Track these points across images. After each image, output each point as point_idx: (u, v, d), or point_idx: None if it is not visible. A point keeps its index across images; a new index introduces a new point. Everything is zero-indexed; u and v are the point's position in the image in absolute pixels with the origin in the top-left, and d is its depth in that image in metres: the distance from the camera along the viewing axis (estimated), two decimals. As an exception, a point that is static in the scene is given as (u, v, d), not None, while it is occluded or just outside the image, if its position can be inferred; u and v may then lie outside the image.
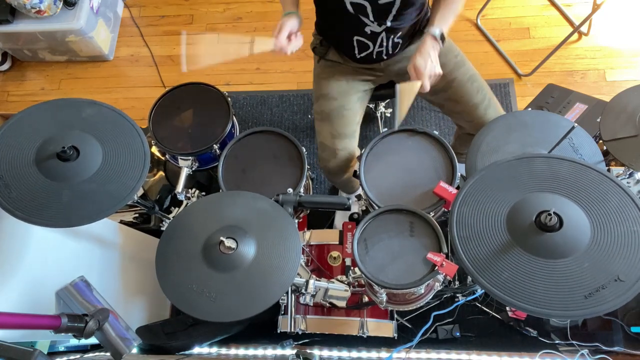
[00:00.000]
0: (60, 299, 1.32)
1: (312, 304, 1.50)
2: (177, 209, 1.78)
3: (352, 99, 1.56)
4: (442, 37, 1.33)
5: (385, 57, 1.51)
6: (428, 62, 1.30)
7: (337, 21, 1.42)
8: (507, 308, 1.81)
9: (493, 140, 1.36)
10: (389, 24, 1.36)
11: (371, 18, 1.33)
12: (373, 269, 1.19)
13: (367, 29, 1.38)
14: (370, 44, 1.44)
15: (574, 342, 1.60)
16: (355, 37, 1.42)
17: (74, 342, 1.52)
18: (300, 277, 1.41)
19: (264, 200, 1.24)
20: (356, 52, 1.48)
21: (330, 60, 1.57)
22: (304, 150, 1.51)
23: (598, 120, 1.43)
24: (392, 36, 1.42)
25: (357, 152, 1.64)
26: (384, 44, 1.44)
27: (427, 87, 1.32)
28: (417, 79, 1.31)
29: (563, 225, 0.94)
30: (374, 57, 1.49)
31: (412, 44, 1.53)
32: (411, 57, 1.34)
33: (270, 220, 1.20)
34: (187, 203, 1.68)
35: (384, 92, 1.75)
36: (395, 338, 1.62)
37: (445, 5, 1.35)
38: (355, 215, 1.59)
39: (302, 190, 1.47)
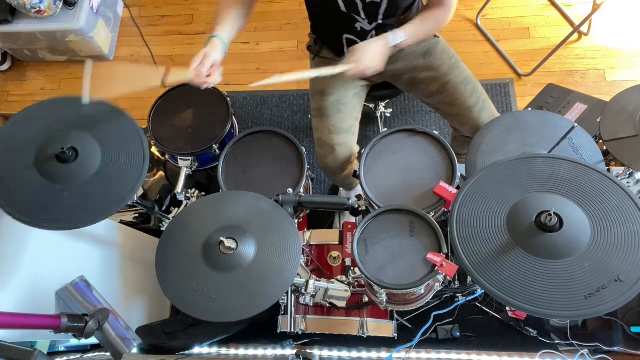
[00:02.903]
0: (60, 299, 1.32)
1: (312, 304, 1.50)
2: (177, 209, 1.78)
3: (348, 94, 1.56)
4: (395, 44, 1.33)
5: None
6: (368, 53, 1.28)
7: (328, 20, 1.43)
8: (507, 308, 1.81)
9: (493, 140, 1.36)
10: (380, 21, 1.36)
11: (362, 15, 1.34)
12: (373, 269, 1.19)
13: (358, 26, 1.38)
14: (360, 41, 1.44)
15: (574, 342, 1.60)
16: (345, 36, 1.43)
17: (74, 342, 1.52)
18: (300, 277, 1.41)
19: (264, 200, 1.24)
20: (345, 50, 1.48)
21: (324, 58, 1.57)
22: (304, 150, 1.51)
23: (598, 120, 1.43)
24: (382, 34, 1.42)
25: (357, 149, 1.64)
26: None
27: (353, 73, 1.29)
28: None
29: (563, 225, 0.94)
30: None
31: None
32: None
33: (270, 220, 1.20)
34: (187, 203, 1.68)
35: (383, 92, 1.75)
36: (395, 338, 1.62)
37: (423, 22, 1.36)
38: (356, 205, 1.57)
39: (302, 190, 1.47)
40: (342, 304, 1.47)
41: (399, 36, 1.32)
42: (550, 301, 0.90)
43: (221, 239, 1.10)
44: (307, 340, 1.82)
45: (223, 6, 1.36)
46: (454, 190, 1.30)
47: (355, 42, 1.44)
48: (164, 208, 2.03)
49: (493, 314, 1.87)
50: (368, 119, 2.35)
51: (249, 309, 1.07)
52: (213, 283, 1.10)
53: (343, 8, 1.33)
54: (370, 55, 1.29)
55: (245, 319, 1.07)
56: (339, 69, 1.30)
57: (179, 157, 1.63)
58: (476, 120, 1.52)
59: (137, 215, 2.01)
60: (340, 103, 1.55)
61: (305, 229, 1.76)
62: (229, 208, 1.23)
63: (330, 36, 1.50)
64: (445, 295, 1.74)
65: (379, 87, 1.70)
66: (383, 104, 2.25)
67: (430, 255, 1.16)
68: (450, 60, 1.52)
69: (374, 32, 1.40)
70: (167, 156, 1.69)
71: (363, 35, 1.41)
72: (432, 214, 1.30)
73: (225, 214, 1.21)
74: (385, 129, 1.47)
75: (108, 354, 1.25)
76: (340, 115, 1.55)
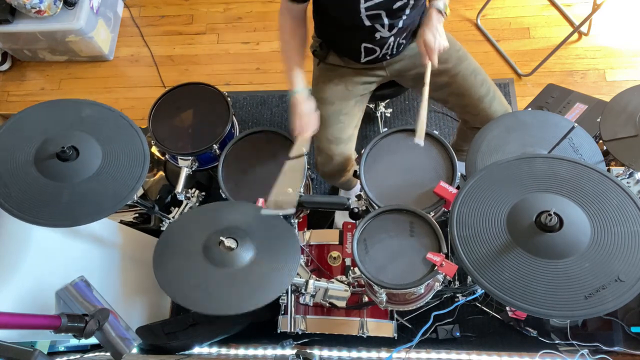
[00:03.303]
0: (60, 299, 1.32)
1: (312, 304, 1.50)
2: (177, 209, 1.78)
3: (349, 104, 1.56)
4: (445, 10, 1.37)
5: (388, 58, 1.50)
6: (437, 36, 1.33)
7: (346, 33, 1.41)
8: (507, 308, 1.81)
9: (493, 140, 1.36)
10: (401, 24, 1.36)
11: (386, 22, 1.33)
12: (373, 269, 1.19)
13: (377, 35, 1.38)
14: (378, 49, 1.44)
15: (574, 342, 1.60)
16: (364, 45, 1.42)
17: (74, 342, 1.52)
18: (300, 277, 1.41)
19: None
20: (362, 57, 1.47)
21: (329, 64, 1.56)
22: (304, 150, 1.51)
23: (598, 120, 1.43)
24: (398, 38, 1.42)
25: (354, 156, 1.64)
26: (390, 46, 1.44)
27: (436, 63, 1.35)
28: (428, 55, 1.34)
29: (563, 225, 0.94)
30: (379, 58, 1.49)
31: (413, 42, 1.53)
32: (419, 32, 1.36)
33: (270, 222, 1.20)
34: (187, 203, 1.68)
35: (384, 92, 1.75)
36: (395, 338, 1.62)
37: None
38: (356, 210, 1.57)
39: (302, 190, 1.47)
40: (342, 303, 1.47)
41: (441, 5, 1.36)
42: (550, 301, 0.90)
43: (221, 238, 1.10)
44: (307, 340, 1.81)
45: (287, 47, 1.41)
46: (454, 190, 1.30)
47: (374, 50, 1.44)
48: (164, 208, 2.03)
49: (493, 314, 1.87)
50: (368, 119, 2.35)
51: (248, 305, 1.07)
52: (213, 282, 1.10)
53: (367, 22, 1.32)
54: (439, 35, 1.33)
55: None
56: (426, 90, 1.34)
57: (179, 157, 1.63)
58: (487, 110, 1.52)
59: (137, 215, 2.01)
60: (341, 113, 1.55)
61: (305, 229, 1.76)
62: (228, 214, 1.23)
63: (345, 45, 1.49)
64: (445, 295, 1.74)
65: (382, 87, 1.69)
66: (383, 104, 2.25)
67: (430, 255, 1.16)
68: (458, 52, 1.52)
69: (392, 38, 1.40)
70: (167, 156, 1.69)
71: (382, 43, 1.41)
72: (432, 214, 1.30)
73: (225, 217, 1.22)
74: (385, 129, 1.47)
75: (108, 354, 1.25)
76: (340, 126, 1.55)
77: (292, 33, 1.40)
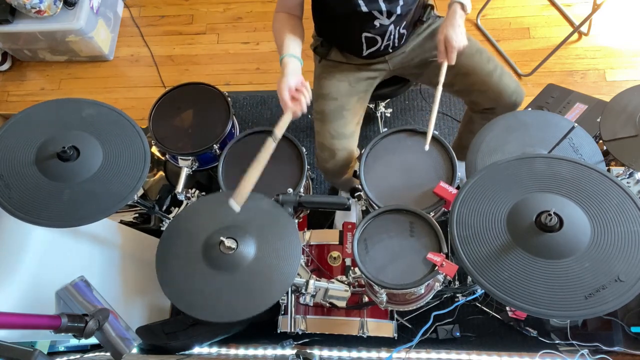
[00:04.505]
0: (60, 299, 1.32)
1: (312, 304, 1.50)
2: (177, 209, 1.78)
3: (352, 100, 1.56)
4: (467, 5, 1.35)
5: (390, 50, 1.50)
6: (458, 33, 1.31)
7: (345, 23, 1.41)
8: (507, 308, 1.81)
9: (493, 140, 1.36)
10: (398, 11, 1.34)
11: (383, 8, 1.32)
12: (373, 269, 1.19)
13: (377, 22, 1.37)
14: (379, 38, 1.42)
15: (574, 342, 1.60)
16: (364, 34, 1.41)
17: (74, 342, 1.52)
18: (300, 277, 1.41)
19: (264, 200, 1.24)
20: (364, 48, 1.46)
21: (332, 61, 1.56)
22: (304, 150, 1.51)
23: (598, 120, 1.43)
24: (398, 27, 1.41)
25: (357, 153, 1.64)
26: (392, 36, 1.43)
27: (453, 61, 1.33)
28: (447, 52, 1.32)
29: (563, 225, 0.94)
30: (381, 50, 1.48)
31: (414, 34, 1.52)
32: (439, 28, 1.34)
33: (271, 220, 1.20)
34: (187, 203, 1.68)
35: (384, 91, 1.75)
36: (395, 338, 1.62)
37: None
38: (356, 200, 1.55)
39: (302, 190, 1.47)
40: (342, 304, 1.47)
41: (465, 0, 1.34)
42: (550, 301, 0.90)
43: (221, 238, 1.10)
44: (307, 340, 1.82)
45: (279, 30, 1.43)
46: (454, 190, 1.30)
47: (375, 40, 1.43)
48: (164, 208, 2.03)
49: (493, 314, 1.87)
50: (368, 119, 2.35)
51: (249, 309, 1.07)
52: (213, 283, 1.10)
53: (364, 8, 1.31)
54: (460, 34, 1.31)
55: (246, 319, 1.07)
56: (442, 78, 1.31)
57: (179, 157, 1.63)
58: (497, 84, 1.48)
59: (137, 215, 2.01)
60: (344, 109, 1.54)
61: (305, 229, 1.76)
62: (229, 208, 1.23)
63: (345, 38, 1.48)
64: (445, 295, 1.74)
65: (382, 86, 1.69)
66: (383, 103, 2.25)
67: (430, 255, 1.16)
68: None
69: (392, 26, 1.39)
70: (167, 156, 1.69)
71: (382, 31, 1.39)
72: (432, 214, 1.30)
73: (225, 214, 1.21)
74: (385, 129, 1.47)
75: (108, 354, 1.25)
76: (343, 121, 1.54)
77: (287, 20, 1.42)
